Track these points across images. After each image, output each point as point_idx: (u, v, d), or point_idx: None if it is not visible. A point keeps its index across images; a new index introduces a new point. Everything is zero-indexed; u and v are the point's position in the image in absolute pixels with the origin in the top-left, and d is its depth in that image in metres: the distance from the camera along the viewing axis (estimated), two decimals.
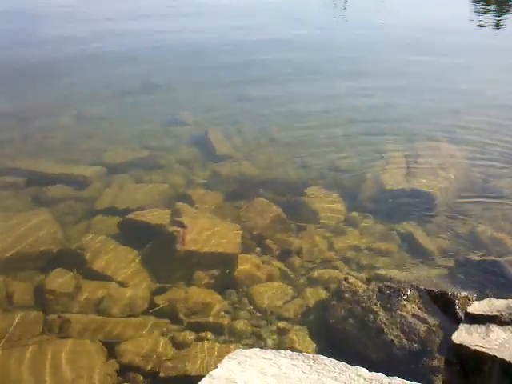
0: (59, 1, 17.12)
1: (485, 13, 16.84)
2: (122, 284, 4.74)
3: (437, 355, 3.75)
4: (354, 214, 5.89)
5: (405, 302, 4.07)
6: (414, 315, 3.96)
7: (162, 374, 3.76)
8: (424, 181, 6.28)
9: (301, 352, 2.90)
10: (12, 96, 9.38)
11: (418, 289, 4.20)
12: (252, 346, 3.90)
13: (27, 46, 12.61)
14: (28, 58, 11.54)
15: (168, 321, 4.32)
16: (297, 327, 4.24)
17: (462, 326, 3.18)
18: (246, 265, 4.94)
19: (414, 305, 4.04)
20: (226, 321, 4.32)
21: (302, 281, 4.83)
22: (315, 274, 4.90)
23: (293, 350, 3.50)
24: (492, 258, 4.85)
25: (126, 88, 9.84)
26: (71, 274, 4.80)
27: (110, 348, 3.99)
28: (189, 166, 7.01)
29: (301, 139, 7.70)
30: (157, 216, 5.61)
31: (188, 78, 10.48)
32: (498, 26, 15.11)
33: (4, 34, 13.62)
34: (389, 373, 2.66)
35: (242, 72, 10.79)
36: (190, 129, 8.12)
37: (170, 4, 17.20)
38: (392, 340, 3.84)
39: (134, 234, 5.37)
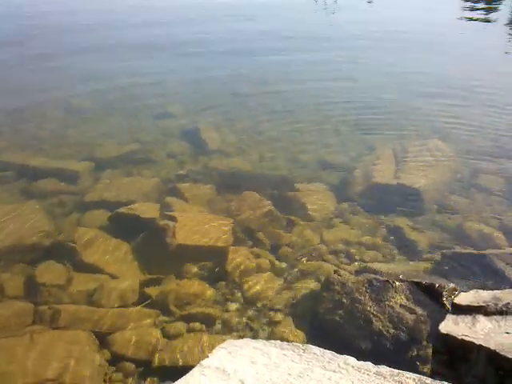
0: None
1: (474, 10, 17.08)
2: (113, 276, 4.75)
3: (424, 345, 3.82)
4: (344, 207, 5.96)
5: (393, 294, 4.11)
6: (402, 306, 4.02)
7: (153, 364, 3.79)
8: (412, 176, 6.35)
9: (291, 342, 2.93)
10: None
11: (406, 281, 4.25)
12: (243, 337, 3.93)
13: (16, 36, 12.53)
14: (16, 50, 11.48)
15: (159, 312, 4.34)
16: (287, 318, 4.29)
17: (449, 317, 3.25)
18: (237, 257, 4.97)
19: (402, 296, 4.10)
20: (217, 312, 4.35)
21: (292, 273, 4.88)
22: (305, 266, 4.96)
23: (283, 340, 3.54)
24: (478, 251, 4.92)
25: (116, 81, 9.81)
26: (62, 266, 4.81)
27: (102, 338, 4.00)
28: (179, 159, 7.03)
29: (292, 134, 7.75)
30: (147, 210, 5.61)
31: (178, 72, 10.47)
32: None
33: None
34: (377, 362, 2.71)
35: (234, 67, 10.79)
36: (181, 123, 8.13)
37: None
38: (380, 330, 3.89)
39: (125, 227, 5.37)
